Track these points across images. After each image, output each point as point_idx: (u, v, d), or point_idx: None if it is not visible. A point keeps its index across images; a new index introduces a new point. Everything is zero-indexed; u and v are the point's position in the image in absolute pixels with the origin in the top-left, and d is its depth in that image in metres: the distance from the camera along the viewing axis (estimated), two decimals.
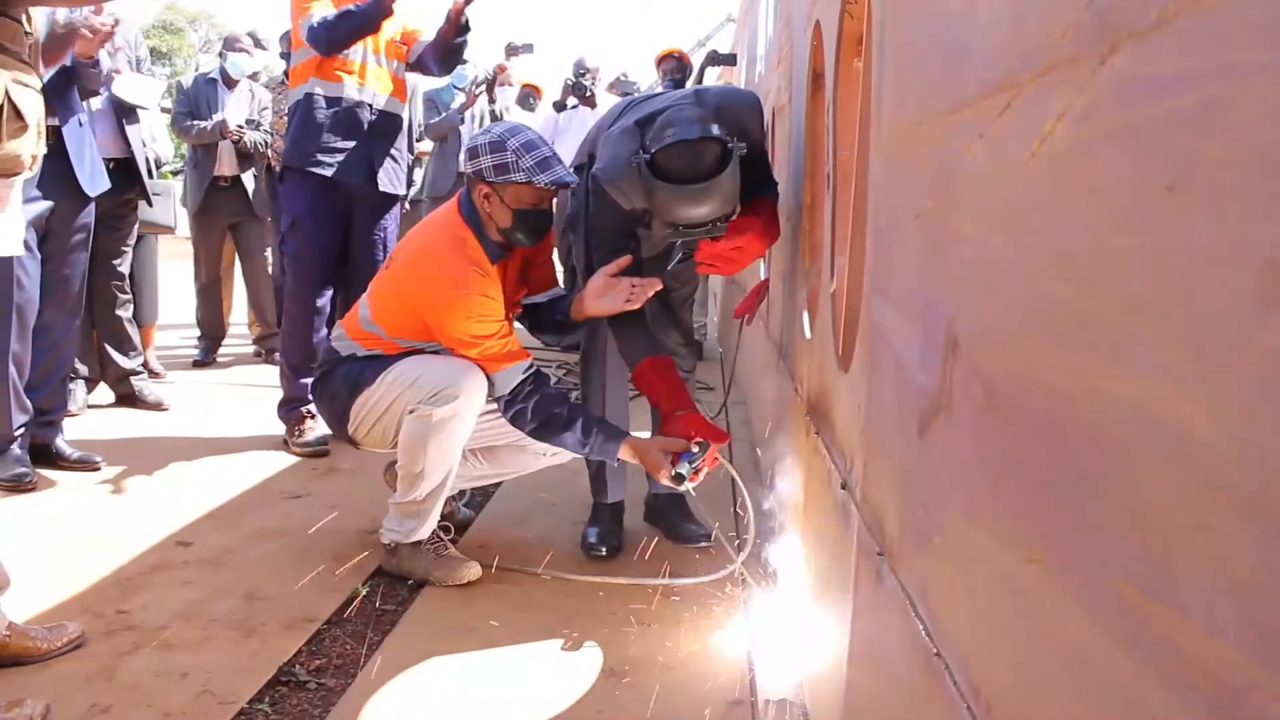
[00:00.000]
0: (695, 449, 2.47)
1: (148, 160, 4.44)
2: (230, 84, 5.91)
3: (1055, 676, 0.73)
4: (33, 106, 1.96)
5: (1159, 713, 0.57)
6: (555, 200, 3.06)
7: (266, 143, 5.92)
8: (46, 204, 3.52)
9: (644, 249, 2.76)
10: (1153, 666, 0.58)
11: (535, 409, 2.64)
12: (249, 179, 6.00)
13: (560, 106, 7.27)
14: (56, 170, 3.55)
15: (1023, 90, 0.83)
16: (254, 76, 6.32)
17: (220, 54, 5.97)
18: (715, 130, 2.31)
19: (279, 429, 4.34)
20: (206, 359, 6.14)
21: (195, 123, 5.70)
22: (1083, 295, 0.70)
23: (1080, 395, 0.70)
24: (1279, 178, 0.47)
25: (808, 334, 2.37)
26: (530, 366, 2.68)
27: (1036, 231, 0.80)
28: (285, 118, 5.84)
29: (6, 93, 1.87)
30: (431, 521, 2.81)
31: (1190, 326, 0.55)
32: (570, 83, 7.16)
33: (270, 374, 5.77)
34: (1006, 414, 0.86)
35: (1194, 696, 0.53)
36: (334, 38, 3.80)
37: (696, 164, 2.29)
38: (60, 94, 3.54)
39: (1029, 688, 0.78)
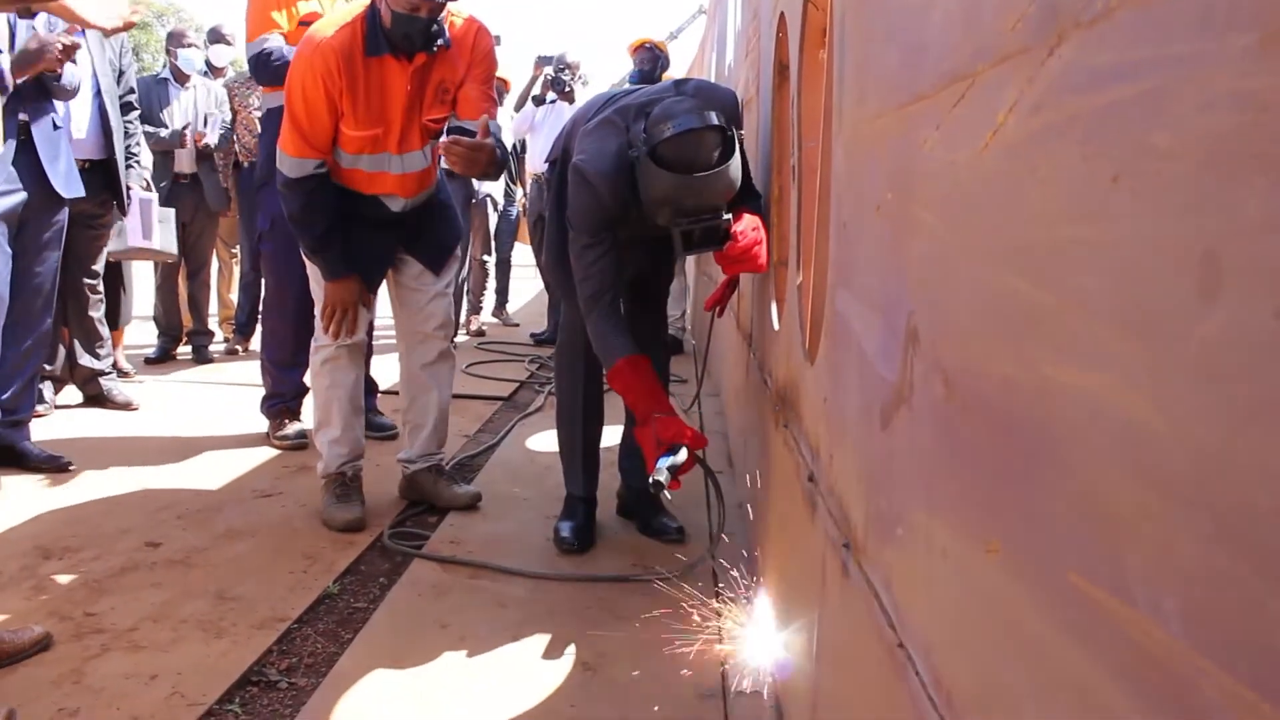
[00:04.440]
0: (676, 454, 2.40)
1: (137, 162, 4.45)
2: (182, 79, 5.83)
3: (1013, 667, 0.73)
4: None
5: (1109, 701, 0.57)
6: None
7: (226, 139, 5.86)
8: (21, 196, 3.48)
9: (622, 235, 2.74)
10: (1102, 656, 0.58)
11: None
12: (204, 172, 5.93)
13: (539, 101, 7.27)
14: (29, 166, 3.53)
15: (976, 81, 0.84)
16: (220, 72, 6.27)
17: (168, 50, 5.87)
18: (714, 119, 2.31)
19: (249, 427, 4.33)
20: (161, 357, 6.06)
21: (154, 130, 5.61)
22: (1034, 287, 0.70)
23: (1032, 386, 0.70)
24: (1218, 169, 0.47)
25: (776, 325, 2.37)
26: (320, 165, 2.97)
27: (990, 223, 0.80)
28: (255, 113, 5.82)
29: None
30: (326, 458, 3.22)
31: (1136, 317, 0.55)
32: (550, 77, 7.16)
33: (238, 371, 5.74)
34: (965, 406, 0.86)
35: (1142, 685, 0.54)
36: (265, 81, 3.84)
37: (702, 152, 2.30)
38: (32, 93, 3.55)
39: (988, 678, 0.79)
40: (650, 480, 2.35)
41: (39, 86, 3.56)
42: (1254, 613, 0.44)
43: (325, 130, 2.93)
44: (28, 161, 3.54)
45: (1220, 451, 0.46)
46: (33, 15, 3.45)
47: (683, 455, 2.37)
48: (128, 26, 2.14)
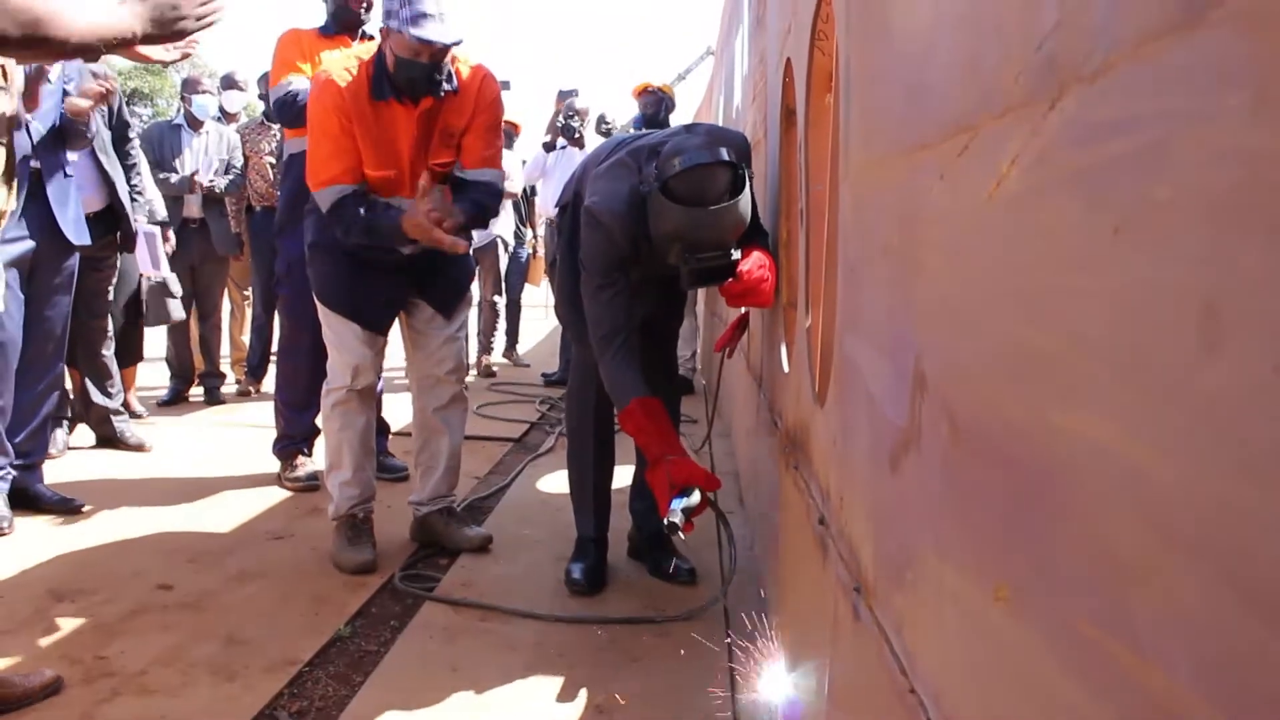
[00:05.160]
0: (689, 496, 2.36)
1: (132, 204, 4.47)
2: (195, 126, 5.90)
3: (1022, 713, 0.73)
4: None
5: None
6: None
7: (237, 184, 5.92)
8: (29, 244, 3.52)
9: (634, 276, 2.75)
10: (1111, 703, 0.58)
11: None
12: (212, 216, 5.98)
13: (549, 147, 7.34)
14: (40, 213, 3.57)
15: (980, 132, 0.85)
16: (233, 117, 6.34)
17: (183, 97, 5.95)
18: (725, 154, 2.34)
19: (261, 469, 4.34)
20: (174, 399, 6.08)
21: (165, 176, 5.67)
22: (1038, 334, 0.71)
23: (1038, 432, 0.71)
24: (1215, 222, 0.48)
25: (786, 367, 2.38)
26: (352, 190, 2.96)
27: (995, 270, 0.81)
28: (266, 159, 5.87)
29: None
30: (337, 500, 3.23)
31: (1138, 366, 0.56)
32: (560, 124, 7.23)
33: (250, 413, 5.76)
34: (972, 450, 0.87)
35: None
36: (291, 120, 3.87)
37: (712, 187, 2.33)
38: (49, 149, 3.61)
39: None
40: (665, 523, 2.33)
41: (55, 138, 3.61)
42: (1261, 661, 0.44)
43: (351, 153, 2.95)
44: (38, 210, 3.58)
45: (1222, 501, 0.47)
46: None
47: (695, 497, 2.36)
48: (184, 57, 2.16)
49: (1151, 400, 0.54)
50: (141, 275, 5.21)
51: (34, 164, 3.56)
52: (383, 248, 3.07)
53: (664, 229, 2.39)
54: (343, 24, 3.91)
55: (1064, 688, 0.65)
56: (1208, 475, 0.49)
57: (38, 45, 1.58)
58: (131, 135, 4.56)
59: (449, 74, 2.99)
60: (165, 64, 2.16)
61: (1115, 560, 0.58)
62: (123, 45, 1.72)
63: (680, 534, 2.35)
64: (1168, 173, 0.53)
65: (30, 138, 3.41)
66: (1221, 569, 0.47)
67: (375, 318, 3.18)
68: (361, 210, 2.92)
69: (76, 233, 3.72)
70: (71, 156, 3.76)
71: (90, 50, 1.67)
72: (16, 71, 2.07)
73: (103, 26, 1.64)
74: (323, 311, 3.19)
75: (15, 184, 2.03)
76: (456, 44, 2.90)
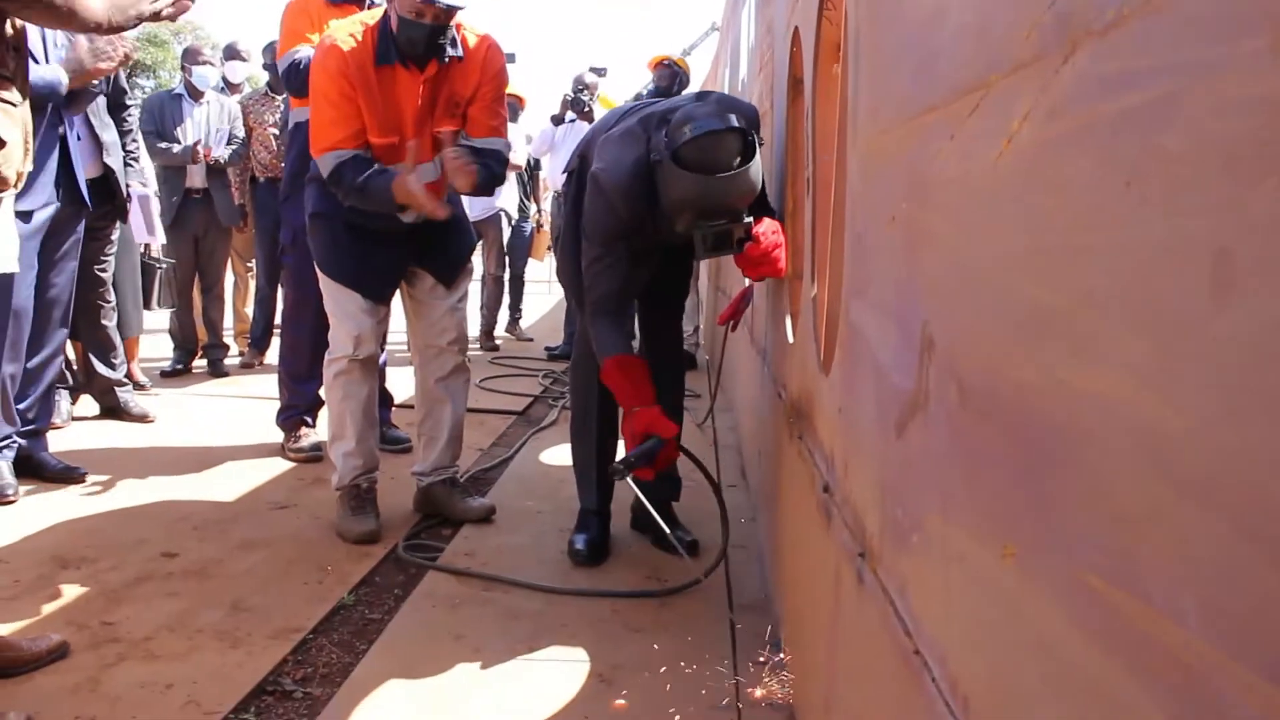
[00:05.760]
0: (648, 444, 2.46)
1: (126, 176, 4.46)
2: (196, 96, 5.87)
3: (1029, 670, 0.73)
4: (12, 125, 1.95)
5: (1128, 700, 0.58)
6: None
7: (239, 154, 5.90)
8: (54, 208, 3.53)
9: (636, 246, 2.75)
10: (1120, 655, 0.59)
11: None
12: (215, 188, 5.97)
13: (558, 120, 7.33)
14: (59, 178, 3.58)
15: (990, 91, 0.85)
16: (236, 88, 6.32)
17: (183, 67, 5.92)
18: (735, 121, 2.33)
19: (265, 439, 4.35)
20: (176, 369, 6.09)
21: (167, 145, 5.66)
22: (1049, 292, 0.71)
23: (1048, 390, 0.71)
24: (1229, 170, 0.48)
25: (790, 338, 2.38)
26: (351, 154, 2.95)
27: (1006, 230, 0.81)
28: (270, 130, 5.85)
29: None
30: (340, 471, 3.23)
31: (1150, 319, 0.56)
32: (569, 97, 7.23)
33: (253, 384, 5.77)
34: (980, 412, 0.87)
35: (1160, 683, 0.54)
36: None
37: (723, 153, 2.32)
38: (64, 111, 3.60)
39: (1004, 682, 0.79)
40: (610, 468, 2.43)
41: (69, 98, 3.58)
42: (1270, 607, 0.44)
43: (353, 118, 2.94)
44: (61, 174, 3.59)
45: (1234, 448, 0.47)
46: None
47: (652, 443, 2.45)
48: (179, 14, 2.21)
49: (1163, 352, 0.55)
50: (146, 250, 5.22)
51: (60, 129, 3.55)
52: (383, 216, 3.07)
53: (675, 196, 2.38)
54: None
55: (1072, 641, 0.65)
56: (1220, 424, 0.49)
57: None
58: (129, 102, 4.54)
59: (454, 39, 2.98)
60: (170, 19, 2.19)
61: (1125, 513, 0.59)
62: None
63: (629, 479, 2.43)
64: (1180, 124, 0.53)
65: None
66: (1234, 517, 0.47)
67: (376, 287, 3.18)
68: (359, 174, 2.92)
69: (88, 195, 3.72)
70: (76, 121, 3.75)
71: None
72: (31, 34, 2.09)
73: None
74: (324, 281, 3.19)
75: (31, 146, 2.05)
76: (460, 8, 2.89)
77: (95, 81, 3.66)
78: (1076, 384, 0.66)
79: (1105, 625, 0.60)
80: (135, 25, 2.12)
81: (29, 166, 2.05)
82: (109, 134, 4.13)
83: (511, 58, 3.31)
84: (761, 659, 2.23)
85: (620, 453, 3.15)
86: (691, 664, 2.29)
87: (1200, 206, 0.51)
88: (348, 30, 2.94)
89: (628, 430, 2.54)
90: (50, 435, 3.89)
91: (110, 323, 4.66)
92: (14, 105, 1.96)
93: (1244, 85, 0.47)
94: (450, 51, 2.97)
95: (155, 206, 5.13)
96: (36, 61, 3.21)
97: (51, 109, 3.40)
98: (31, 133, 2.04)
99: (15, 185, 2.02)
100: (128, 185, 4.39)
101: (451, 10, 2.88)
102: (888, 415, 1.20)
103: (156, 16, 2.06)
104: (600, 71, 7.30)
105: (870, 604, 1.23)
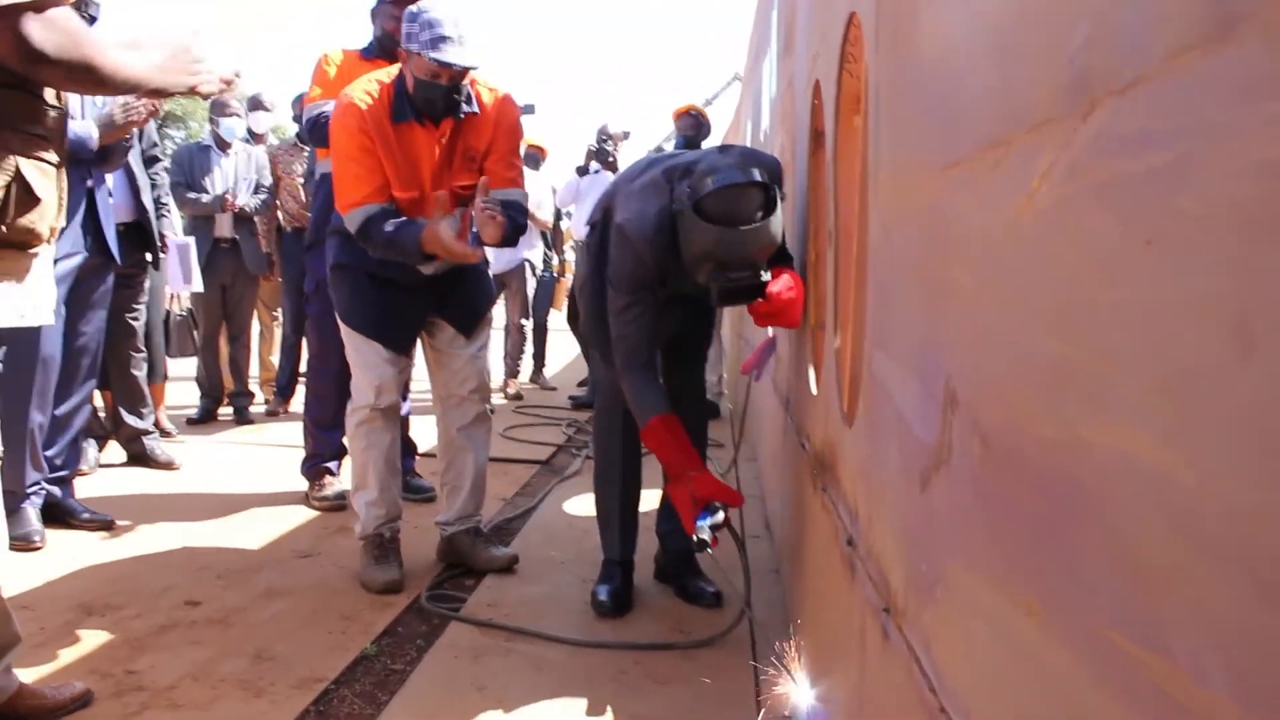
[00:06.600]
0: (714, 513, 2.43)
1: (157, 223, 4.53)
2: (224, 147, 5.98)
3: None
4: (48, 183, 2.00)
5: None
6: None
7: (266, 203, 5.99)
8: (81, 258, 3.60)
9: (661, 295, 2.76)
10: (1143, 714, 0.58)
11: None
12: (243, 236, 6.06)
13: (583, 171, 7.41)
14: (88, 229, 3.66)
15: (1012, 147, 0.85)
16: (260, 138, 6.42)
17: (211, 119, 6.04)
18: (757, 175, 2.34)
19: (290, 487, 4.37)
20: (203, 417, 6.14)
21: (196, 195, 5.77)
22: (1070, 347, 0.71)
23: (1069, 446, 0.71)
24: (1247, 233, 0.48)
25: (814, 389, 2.37)
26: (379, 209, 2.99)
27: (1026, 285, 0.81)
28: (298, 180, 5.94)
29: (18, 170, 1.91)
30: (363, 520, 3.24)
31: (1171, 378, 0.56)
32: (593, 148, 7.31)
33: (278, 432, 5.80)
34: (1003, 466, 0.87)
35: None
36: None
37: (745, 206, 2.33)
38: (94, 159, 3.66)
39: None
40: (694, 540, 2.38)
41: (99, 152, 3.66)
42: None
43: (376, 173, 2.98)
44: (88, 225, 3.67)
45: (1255, 508, 0.47)
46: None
47: (720, 515, 2.42)
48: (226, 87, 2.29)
49: (1184, 411, 0.55)
50: (171, 300, 5.28)
51: (88, 182, 3.62)
52: (404, 267, 3.10)
53: (695, 248, 2.39)
54: (384, 50, 3.94)
55: (1096, 700, 0.65)
56: (1240, 484, 0.49)
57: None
58: (160, 155, 4.63)
59: (469, 95, 3.03)
60: (205, 96, 2.26)
61: (1147, 572, 0.58)
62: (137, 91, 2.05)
63: (709, 550, 2.39)
64: (1199, 184, 0.53)
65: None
66: (1254, 576, 0.47)
67: (397, 337, 3.21)
68: (387, 226, 2.96)
69: (117, 249, 3.78)
70: (108, 177, 3.82)
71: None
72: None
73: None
74: (345, 332, 3.22)
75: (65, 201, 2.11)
76: (474, 68, 2.95)
77: (127, 136, 3.74)
78: (1097, 440, 0.66)
79: (1128, 683, 0.60)
80: (172, 96, 2.21)
81: (62, 222, 2.09)
82: (143, 178, 4.23)
83: (530, 109, 3.37)
84: (787, 714, 2.21)
85: (649, 501, 3.15)
86: (715, 717, 2.26)
87: (1218, 267, 0.51)
88: (364, 88, 3.00)
89: (683, 494, 2.49)
90: (77, 482, 3.92)
91: (140, 372, 4.72)
92: (51, 165, 2.01)
93: (1262, 149, 0.47)
94: (465, 108, 3.03)
95: (194, 255, 5.20)
96: (72, 118, 3.28)
97: (79, 162, 3.47)
98: (66, 190, 2.08)
99: (49, 240, 2.05)
100: (163, 235, 4.46)
101: (466, 71, 2.94)
102: (911, 468, 1.20)
103: (194, 90, 2.14)
104: (528, 109, 7.35)
105: (896, 660, 1.22)
